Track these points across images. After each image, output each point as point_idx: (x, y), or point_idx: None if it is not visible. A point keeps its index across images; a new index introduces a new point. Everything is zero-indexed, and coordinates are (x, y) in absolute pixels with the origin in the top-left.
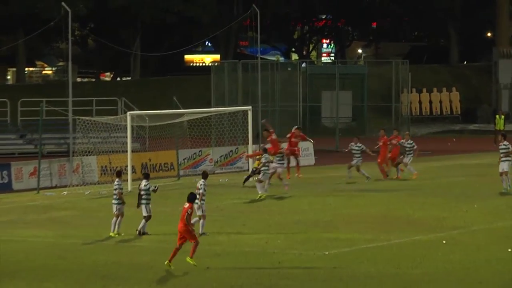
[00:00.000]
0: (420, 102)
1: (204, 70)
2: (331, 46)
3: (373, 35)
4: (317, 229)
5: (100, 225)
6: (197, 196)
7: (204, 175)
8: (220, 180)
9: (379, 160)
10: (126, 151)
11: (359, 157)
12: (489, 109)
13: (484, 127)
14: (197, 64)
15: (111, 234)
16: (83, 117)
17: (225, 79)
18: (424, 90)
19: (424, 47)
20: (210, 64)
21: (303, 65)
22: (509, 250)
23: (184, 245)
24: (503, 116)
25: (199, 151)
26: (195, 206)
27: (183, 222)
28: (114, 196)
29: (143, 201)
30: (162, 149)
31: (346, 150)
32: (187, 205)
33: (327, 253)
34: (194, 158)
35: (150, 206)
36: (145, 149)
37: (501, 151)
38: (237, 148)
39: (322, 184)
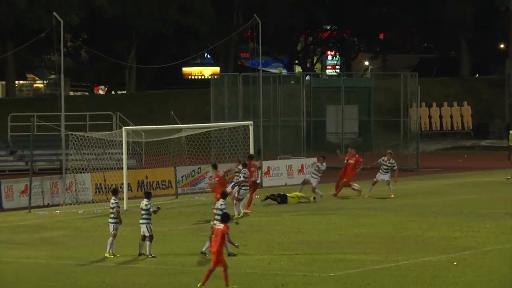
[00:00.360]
0: (429, 117)
1: (203, 83)
2: (336, 58)
3: (380, 46)
4: (322, 249)
5: (95, 245)
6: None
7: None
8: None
9: (345, 180)
10: (122, 168)
11: (317, 177)
12: (502, 124)
13: (496, 143)
14: (196, 77)
15: (106, 254)
16: (76, 133)
17: (225, 92)
18: (434, 104)
19: (434, 59)
20: (209, 77)
21: (307, 78)
22: None
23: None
24: None
25: (198, 168)
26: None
27: (219, 244)
28: (111, 215)
29: (144, 221)
30: (159, 166)
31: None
32: (221, 226)
33: (332, 274)
34: (193, 176)
35: (151, 225)
36: (141, 166)
37: None
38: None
39: (326, 203)
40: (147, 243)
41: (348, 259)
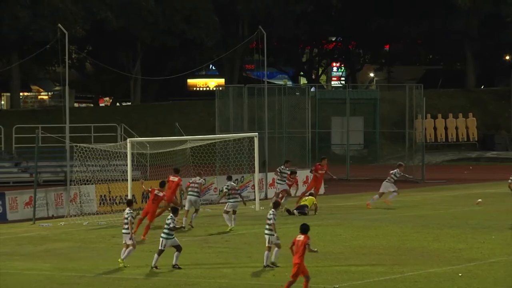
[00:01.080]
0: (435, 128)
1: (208, 94)
2: (341, 70)
3: (386, 58)
4: (327, 261)
5: (99, 257)
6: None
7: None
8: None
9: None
10: (126, 180)
11: (282, 183)
12: (507, 136)
13: (502, 155)
14: (201, 89)
15: (119, 260)
16: (81, 144)
17: (230, 104)
18: (439, 115)
19: (439, 70)
20: (214, 89)
21: (312, 89)
22: None
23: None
24: None
25: (203, 180)
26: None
27: (300, 255)
28: (125, 226)
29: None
30: (164, 178)
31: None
32: (302, 237)
33: (337, 286)
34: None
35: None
36: (146, 177)
37: None
38: (242, 176)
39: (332, 214)
40: (155, 255)
41: (353, 270)
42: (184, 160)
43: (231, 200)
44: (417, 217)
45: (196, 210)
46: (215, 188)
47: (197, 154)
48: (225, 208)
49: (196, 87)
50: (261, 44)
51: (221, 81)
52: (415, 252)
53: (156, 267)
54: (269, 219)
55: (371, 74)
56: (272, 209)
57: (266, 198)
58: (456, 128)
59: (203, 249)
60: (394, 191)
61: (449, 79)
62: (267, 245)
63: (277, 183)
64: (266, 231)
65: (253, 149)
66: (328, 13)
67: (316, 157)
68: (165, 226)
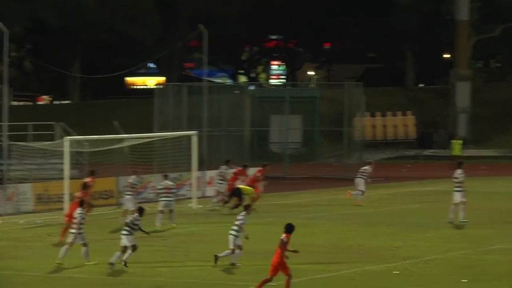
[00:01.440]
0: (373, 127)
1: (148, 93)
2: (282, 68)
3: (326, 56)
4: (263, 259)
5: (35, 255)
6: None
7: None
8: (159, 207)
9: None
10: (64, 178)
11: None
12: (445, 134)
13: (440, 153)
14: (140, 87)
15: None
16: (19, 143)
17: (169, 102)
18: (378, 114)
19: (379, 69)
20: (154, 87)
21: (252, 88)
22: (463, 281)
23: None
24: (459, 141)
25: (140, 179)
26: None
27: (280, 254)
28: (74, 226)
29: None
30: (101, 176)
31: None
32: (283, 235)
33: (274, 284)
34: (136, 185)
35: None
36: (83, 176)
37: (454, 180)
38: (180, 174)
39: (270, 212)
40: (117, 252)
41: (291, 268)
42: (123, 159)
43: (163, 199)
44: (354, 215)
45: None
46: (153, 186)
47: (136, 153)
48: (158, 208)
49: (135, 85)
50: (201, 43)
51: (161, 79)
52: (351, 249)
53: (113, 264)
54: (238, 220)
55: (311, 73)
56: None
57: (203, 196)
58: (395, 126)
59: (140, 247)
60: (360, 190)
61: (389, 77)
62: (231, 247)
63: (217, 182)
64: (232, 232)
65: (192, 147)
66: (268, 11)
67: (255, 155)
68: (128, 224)
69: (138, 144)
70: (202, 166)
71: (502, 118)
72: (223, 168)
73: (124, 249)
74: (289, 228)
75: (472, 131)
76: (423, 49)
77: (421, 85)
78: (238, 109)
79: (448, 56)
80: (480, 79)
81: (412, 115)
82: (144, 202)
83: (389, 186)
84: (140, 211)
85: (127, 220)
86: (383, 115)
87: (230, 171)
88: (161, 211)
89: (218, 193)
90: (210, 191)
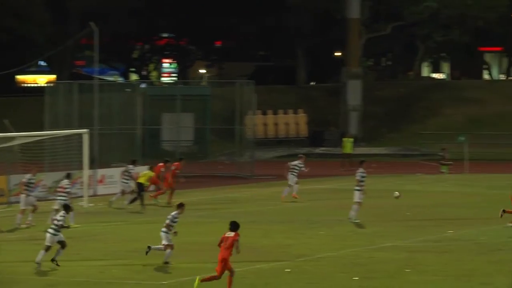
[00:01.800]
0: (265, 125)
1: (39, 91)
2: (173, 66)
3: (217, 54)
4: (155, 258)
5: None
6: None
7: (66, 207)
8: (54, 206)
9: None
10: None
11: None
12: (336, 132)
13: (331, 151)
14: (31, 85)
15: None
16: None
17: (60, 100)
18: (270, 112)
19: (270, 67)
20: (45, 85)
21: (143, 86)
22: (354, 278)
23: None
24: (351, 139)
25: (33, 177)
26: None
27: (229, 252)
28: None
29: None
30: None
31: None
32: (232, 234)
33: (165, 282)
34: (30, 184)
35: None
36: None
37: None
38: (71, 173)
39: (160, 211)
40: (41, 251)
41: (182, 267)
42: (13, 157)
43: (57, 198)
44: (246, 213)
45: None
46: (44, 185)
47: (27, 151)
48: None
49: (25, 83)
50: (92, 40)
51: (52, 77)
52: (244, 248)
53: (39, 263)
54: (168, 220)
55: (203, 71)
56: (176, 211)
57: (95, 195)
58: (286, 124)
59: (31, 246)
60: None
61: (280, 75)
62: (164, 243)
63: (122, 181)
64: (163, 229)
65: (83, 146)
66: (159, 9)
67: (146, 153)
68: (54, 222)
69: (29, 143)
70: (93, 165)
71: (393, 116)
72: (130, 167)
73: (48, 248)
74: (235, 226)
75: (363, 129)
76: (315, 48)
77: (312, 83)
78: (130, 107)
79: (340, 54)
80: (371, 77)
81: (303, 113)
82: (38, 200)
83: (281, 184)
84: (66, 208)
85: (54, 218)
86: (275, 113)
87: (136, 170)
88: (57, 210)
89: (124, 192)
90: (102, 189)
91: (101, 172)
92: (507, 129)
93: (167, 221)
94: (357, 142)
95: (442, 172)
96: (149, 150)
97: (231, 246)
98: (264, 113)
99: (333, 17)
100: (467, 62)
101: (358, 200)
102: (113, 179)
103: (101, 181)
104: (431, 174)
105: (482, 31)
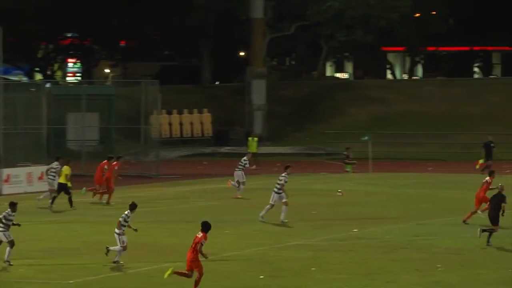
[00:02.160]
0: (170, 124)
1: None
2: (77, 66)
3: (122, 54)
4: (62, 257)
5: None
6: None
7: (12, 205)
8: None
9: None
10: None
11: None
12: (241, 131)
13: (236, 150)
14: None
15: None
16: None
17: None
18: (175, 111)
19: (175, 67)
20: None
21: (48, 85)
22: (261, 277)
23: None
24: (256, 139)
25: None
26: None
27: (194, 252)
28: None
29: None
30: None
31: None
32: (200, 234)
33: (72, 281)
34: None
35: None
36: None
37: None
38: None
39: (67, 210)
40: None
41: (88, 266)
42: None
43: None
44: (153, 213)
45: None
46: None
47: None
48: None
49: None
50: None
51: None
52: (150, 247)
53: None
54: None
55: (107, 70)
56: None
57: (0, 194)
58: (191, 123)
59: None
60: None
61: (185, 75)
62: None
63: (48, 179)
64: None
65: None
66: (64, 8)
67: (51, 153)
68: (3, 220)
69: None
70: None
71: (297, 115)
72: (55, 164)
73: None
74: (206, 227)
75: (268, 128)
76: (219, 47)
77: (217, 83)
78: (35, 107)
79: (244, 54)
80: (276, 77)
81: (208, 113)
82: None
83: (186, 184)
84: (13, 205)
85: (0, 216)
86: (180, 113)
87: (60, 167)
88: None
89: (51, 190)
90: (7, 189)
91: (6, 171)
92: (410, 129)
93: (120, 220)
94: (262, 141)
95: (347, 171)
96: (55, 149)
97: (197, 246)
98: (169, 113)
99: (237, 17)
100: (370, 62)
101: (283, 201)
102: (18, 179)
103: (6, 181)
104: (335, 173)
105: (385, 31)
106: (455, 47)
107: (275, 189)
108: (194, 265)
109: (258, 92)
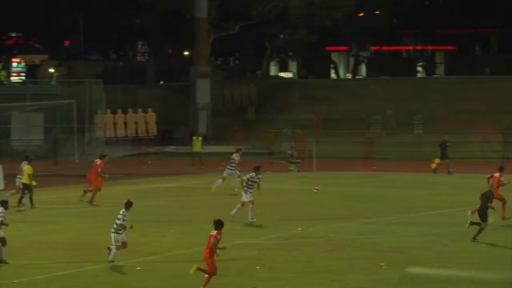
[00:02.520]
0: (115, 123)
1: None
2: (21, 65)
3: (66, 54)
4: (7, 256)
5: None
6: None
7: (3, 203)
8: None
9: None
10: None
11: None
12: (186, 131)
13: (181, 149)
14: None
15: None
16: None
17: None
18: (119, 111)
19: (119, 66)
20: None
21: None
22: (205, 276)
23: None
24: (200, 138)
25: None
26: None
27: (209, 250)
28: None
29: None
30: None
31: None
32: (214, 232)
33: (16, 281)
34: None
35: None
36: None
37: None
38: None
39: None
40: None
41: (33, 265)
42: None
43: None
44: (97, 212)
45: None
46: None
47: None
48: None
49: None
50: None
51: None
52: (95, 246)
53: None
54: (119, 219)
55: (51, 70)
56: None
57: None
58: (136, 123)
59: None
60: (237, 177)
61: (130, 74)
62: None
63: (17, 178)
64: (113, 230)
65: None
66: (7, 8)
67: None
68: None
69: None
70: None
71: (241, 114)
72: (23, 164)
73: None
74: (219, 225)
75: (212, 128)
76: (164, 47)
77: (161, 82)
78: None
79: (188, 53)
80: (220, 76)
81: (153, 112)
82: None
83: (131, 183)
84: (3, 203)
85: None
86: (124, 112)
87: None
88: None
89: (18, 188)
90: None
91: None
92: (354, 128)
93: (119, 222)
94: (207, 140)
95: (291, 170)
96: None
97: (211, 244)
98: (114, 112)
99: (181, 16)
100: (314, 61)
101: (250, 199)
102: None
103: None
104: (280, 172)
105: (329, 30)
106: (398, 46)
107: (245, 188)
108: (208, 263)
109: (203, 91)
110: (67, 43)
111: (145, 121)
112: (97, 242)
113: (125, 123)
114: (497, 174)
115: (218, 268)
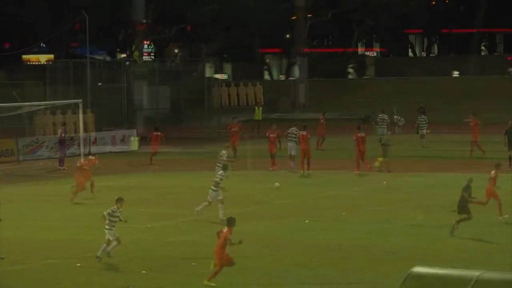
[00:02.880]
0: (229, 95)
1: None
2: (151, 47)
3: (188, 37)
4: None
5: None
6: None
7: None
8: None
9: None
10: None
11: None
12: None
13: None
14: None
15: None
16: None
17: (58, 76)
18: (232, 84)
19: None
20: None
21: (127, 63)
22: (143, 272)
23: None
24: (260, 108)
25: (36, 139)
26: None
27: (221, 247)
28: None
29: None
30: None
31: None
32: (226, 229)
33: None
34: (32, 145)
35: None
36: None
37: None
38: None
39: None
40: None
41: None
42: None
43: None
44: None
45: None
46: (47, 145)
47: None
48: None
49: (30, 61)
50: (84, 26)
51: (51, 56)
52: (38, 243)
53: None
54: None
55: (176, 50)
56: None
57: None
58: (246, 94)
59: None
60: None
61: None
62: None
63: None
64: (107, 226)
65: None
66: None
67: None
68: None
69: (33, 111)
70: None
71: (176, 115)
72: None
73: None
74: (230, 221)
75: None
76: (105, 49)
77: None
78: (117, 81)
79: (125, 56)
80: (158, 77)
81: (260, 85)
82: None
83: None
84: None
85: None
86: (236, 85)
87: None
88: None
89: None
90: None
91: (94, 135)
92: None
93: (110, 218)
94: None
95: None
96: (133, 116)
97: (223, 241)
98: (228, 85)
99: (120, 20)
100: (249, 63)
101: (219, 198)
102: (104, 141)
103: (94, 142)
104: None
105: (263, 33)
106: (330, 49)
107: (212, 187)
108: (218, 257)
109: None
110: (188, 28)
111: (253, 92)
112: (41, 238)
113: (238, 95)
114: (493, 172)
115: (155, 264)
